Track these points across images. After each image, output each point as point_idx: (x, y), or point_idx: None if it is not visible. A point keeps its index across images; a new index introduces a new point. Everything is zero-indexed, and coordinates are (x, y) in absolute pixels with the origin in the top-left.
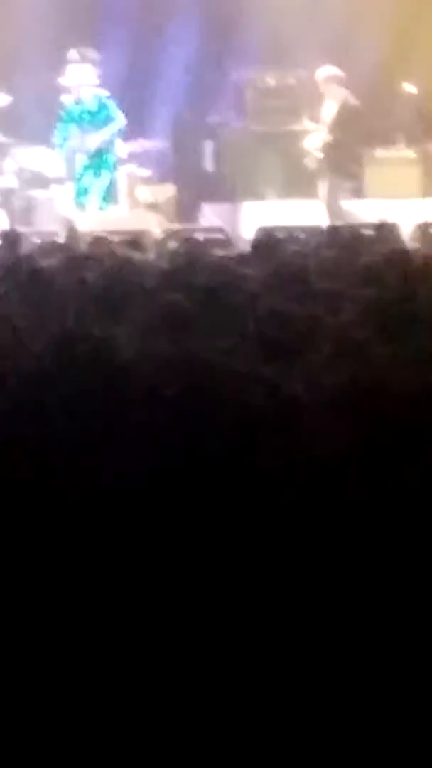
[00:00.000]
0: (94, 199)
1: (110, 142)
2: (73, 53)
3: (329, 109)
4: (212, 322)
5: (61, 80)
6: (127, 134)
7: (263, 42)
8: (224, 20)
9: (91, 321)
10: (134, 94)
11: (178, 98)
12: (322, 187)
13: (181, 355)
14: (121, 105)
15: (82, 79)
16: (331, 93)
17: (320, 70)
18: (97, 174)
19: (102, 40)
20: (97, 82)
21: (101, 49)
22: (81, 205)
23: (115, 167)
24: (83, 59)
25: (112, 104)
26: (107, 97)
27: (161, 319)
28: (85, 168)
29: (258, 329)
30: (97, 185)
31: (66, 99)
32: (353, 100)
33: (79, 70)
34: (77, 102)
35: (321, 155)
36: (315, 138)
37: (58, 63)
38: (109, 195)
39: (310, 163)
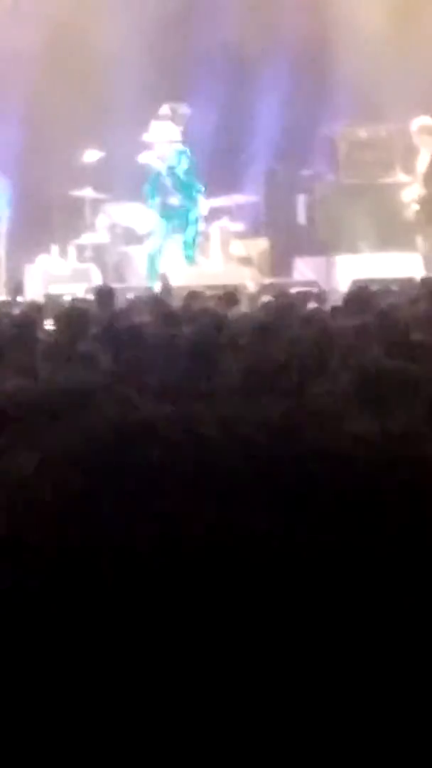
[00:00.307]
0: (175, 255)
1: (193, 200)
2: (164, 108)
3: (423, 160)
4: (305, 375)
5: (145, 137)
6: (220, 189)
7: (355, 95)
8: (316, 74)
9: (186, 378)
10: (227, 149)
11: (270, 152)
12: (421, 240)
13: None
14: (214, 160)
15: (165, 135)
16: (426, 143)
17: (414, 121)
18: (178, 230)
19: (194, 95)
20: (180, 138)
21: (193, 104)
22: (153, 267)
23: (197, 223)
24: (175, 115)
25: (191, 161)
26: (188, 153)
27: (254, 373)
28: (167, 225)
29: (354, 383)
30: (180, 241)
31: (147, 156)
32: None
33: (162, 127)
34: (160, 158)
35: (417, 207)
36: (412, 190)
37: (150, 118)
38: (192, 252)
39: (408, 215)
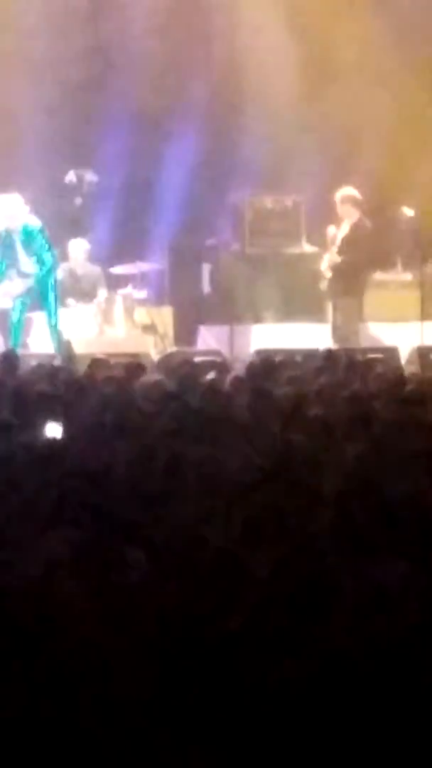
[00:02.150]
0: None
1: (46, 266)
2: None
3: (343, 230)
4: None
5: None
6: (125, 256)
7: (262, 164)
8: (223, 142)
9: (90, 446)
10: (132, 216)
11: (175, 220)
12: (332, 310)
13: None
14: (119, 226)
15: (10, 208)
16: (348, 213)
17: (338, 192)
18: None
19: (100, 161)
20: (27, 209)
21: (99, 170)
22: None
23: (54, 290)
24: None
25: (42, 235)
26: (39, 229)
27: (156, 444)
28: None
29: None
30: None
31: None
32: (367, 222)
33: (7, 200)
34: (7, 231)
35: (330, 276)
36: (328, 259)
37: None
38: (56, 320)
39: (320, 284)
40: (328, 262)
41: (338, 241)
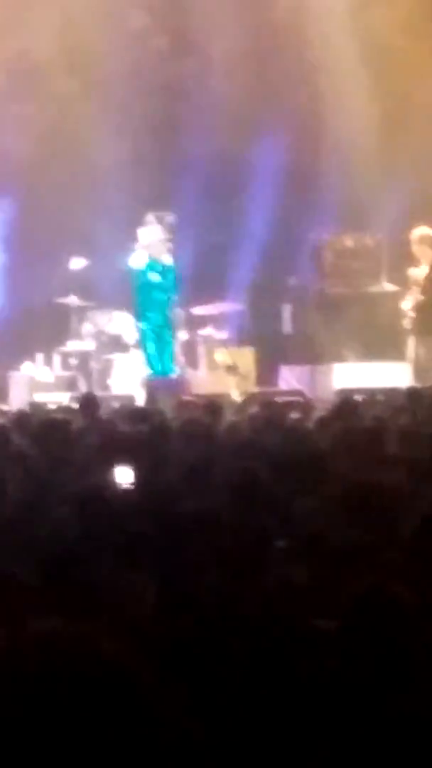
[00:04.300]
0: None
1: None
2: (149, 216)
3: (422, 270)
4: (288, 489)
5: (138, 246)
6: (206, 297)
7: (341, 204)
8: (303, 182)
9: (174, 490)
10: (212, 257)
11: (256, 261)
12: (412, 348)
13: None
14: (199, 267)
15: (155, 236)
16: (424, 253)
17: (414, 231)
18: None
19: (179, 203)
20: (166, 237)
21: (178, 212)
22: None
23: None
24: (160, 222)
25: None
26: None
27: (237, 488)
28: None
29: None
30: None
31: (134, 261)
32: None
33: (150, 230)
34: (149, 263)
35: (413, 315)
36: (409, 298)
37: (135, 227)
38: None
39: (399, 323)
40: (412, 301)
41: (417, 280)
